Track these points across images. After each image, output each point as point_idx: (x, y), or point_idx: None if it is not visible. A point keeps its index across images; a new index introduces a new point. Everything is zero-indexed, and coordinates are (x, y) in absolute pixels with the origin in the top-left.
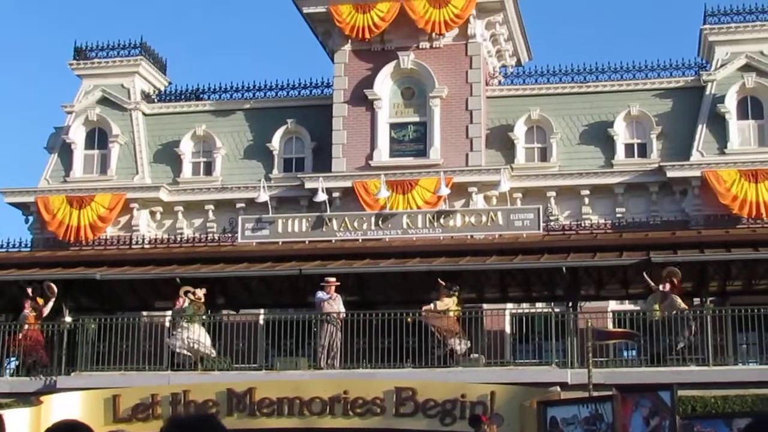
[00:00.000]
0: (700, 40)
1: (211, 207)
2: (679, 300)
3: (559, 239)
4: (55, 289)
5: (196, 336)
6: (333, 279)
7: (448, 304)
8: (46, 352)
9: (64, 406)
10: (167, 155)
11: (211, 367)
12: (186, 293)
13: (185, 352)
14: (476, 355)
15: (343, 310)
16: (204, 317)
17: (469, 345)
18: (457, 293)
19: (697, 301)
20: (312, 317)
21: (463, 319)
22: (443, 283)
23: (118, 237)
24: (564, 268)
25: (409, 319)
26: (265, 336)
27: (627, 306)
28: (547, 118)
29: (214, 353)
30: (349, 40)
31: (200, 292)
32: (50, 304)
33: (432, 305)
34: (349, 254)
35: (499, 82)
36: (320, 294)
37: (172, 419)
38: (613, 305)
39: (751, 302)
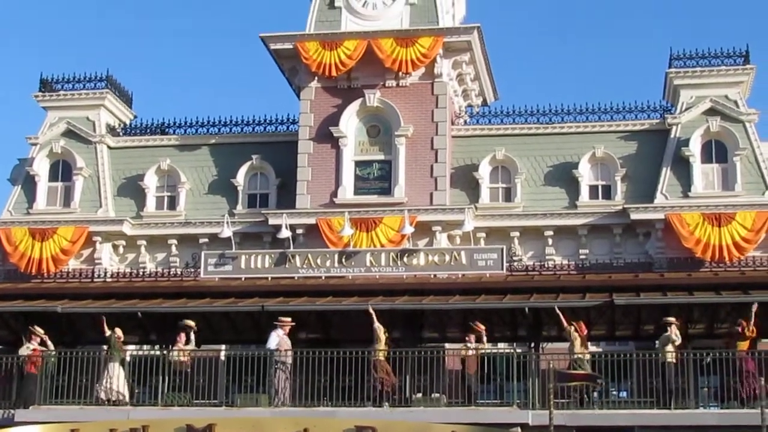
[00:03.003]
0: (665, 84)
1: (175, 242)
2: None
3: (523, 280)
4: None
5: (115, 380)
6: (288, 319)
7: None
8: None
9: None
10: (131, 189)
11: (171, 402)
12: (186, 327)
13: (108, 396)
14: (418, 395)
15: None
16: (123, 356)
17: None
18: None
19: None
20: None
21: (425, 358)
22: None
23: (80, 270)
24: (527, 309)
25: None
26: (226, 372)
27: (591, 348)
28: (512, 159)
29: (126, 397)
30: (316, 77)
31: (119, 332)
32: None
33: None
34: (312, 291)
35: (465, 122)
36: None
37: None
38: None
39: (713, 346)
